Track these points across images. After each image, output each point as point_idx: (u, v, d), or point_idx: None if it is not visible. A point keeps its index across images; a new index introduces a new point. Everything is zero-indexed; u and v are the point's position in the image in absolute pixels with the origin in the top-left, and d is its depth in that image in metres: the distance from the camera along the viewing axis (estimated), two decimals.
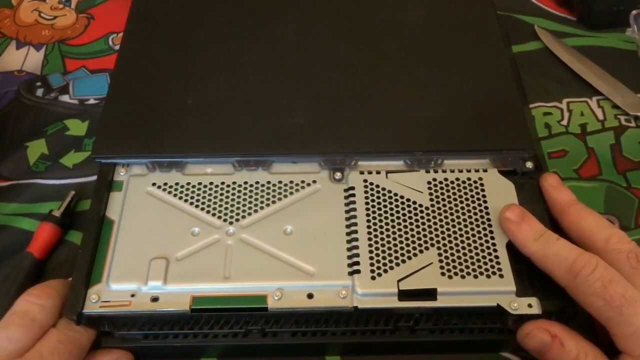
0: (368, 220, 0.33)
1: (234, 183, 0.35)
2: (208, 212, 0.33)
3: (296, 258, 0.32)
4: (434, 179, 0.35)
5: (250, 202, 0.34)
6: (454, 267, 0.31)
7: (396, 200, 0.34)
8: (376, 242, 0.32)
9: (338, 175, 0.35)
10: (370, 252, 0.32)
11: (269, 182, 0.35)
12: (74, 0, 0.53)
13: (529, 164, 0.35)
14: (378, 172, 0.35)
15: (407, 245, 0.32)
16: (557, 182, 0.34)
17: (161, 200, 0.34)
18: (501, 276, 0.31)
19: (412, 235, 0.32)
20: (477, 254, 0.32)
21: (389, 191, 0.34)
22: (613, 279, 0.28)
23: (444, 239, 0.32)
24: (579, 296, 0.28)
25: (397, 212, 0.33)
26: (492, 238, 0.32)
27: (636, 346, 0.27)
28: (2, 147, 0.43)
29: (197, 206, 0.34)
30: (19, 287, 0.34)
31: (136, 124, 0.36)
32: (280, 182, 0.35)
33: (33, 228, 0.38)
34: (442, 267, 0.31)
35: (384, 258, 0.31)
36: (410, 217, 0.33)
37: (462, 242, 0.32)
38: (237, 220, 0.33)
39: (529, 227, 0.31)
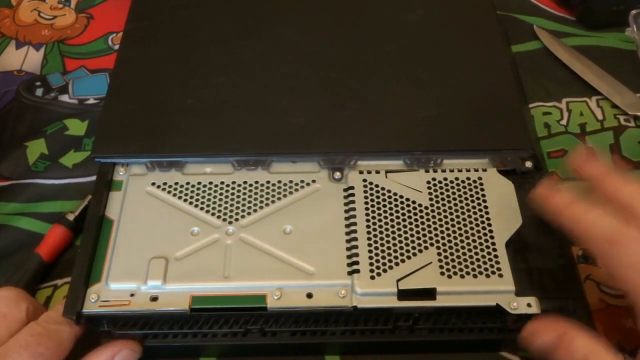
0: (367, 220, 0.33)
1: (233, 183, 0.35)
2: (207, 211, 0.33)
3: (295, 257, 0.32)
4: (434, 179, 0.35)
5: (249, 202, 0.34)
6: (453, 267, 0.31)
7: (395, 199, 0.34)
8: (375, 242, 0.32)
9: (337, 174, 0.35)
10: (370, 251, 0.32)
11: (268, 182, 0.35)
12: (74, 0, 0.53)
13: (529, 164, 0.35)
14: (377, 172, 0.35)
15: (407, 244, 0.32)
16: (546, 190, 0.31)
17: (160, 200, 0.34)
18: (500, 275, 0.31)
19: (412, 235, 0.32)
20: (476, 254, 0.32)
21: (389, 191, 0.34)
22: None
23: (443, 238, 0.32)
24: (613, 267, 0.27)
25: (397, 211, 0.33)
26: (492, 237, 0.32)
27: None
28: (1, 146, 0.43)
29: (196, 206, 0.34)
30: (24, 287, 0.34)
31: (135, 123, 0.36)
32: (279, 181, 0.35)
33: (32, 227, 0.38)
34: (441, 267, 0.31)
35: (383, 257, 0.31)
36: (409, 217, 0.33)
37: (462, 241, 0.32)
38: (237, 219, 0.33)
39: (561, 195, 0.30)
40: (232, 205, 0.34)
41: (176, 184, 0.35)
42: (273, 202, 0.34)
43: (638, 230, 0.27)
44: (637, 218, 0.27)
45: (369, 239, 0.32)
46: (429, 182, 0.34)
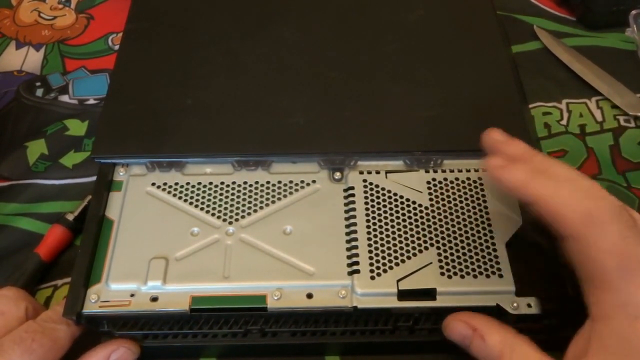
0: (367, 220, 0.33)
1: (233, 183, 0.35)
2: (207, 212, 0.33)
3: (296, 258, 0.32)
4: (434, 179, 0.35)
5: (249, 202, 0.34)
6: (454, 267, 0.31)
7: (396, 200, 0.34)
8: (376, 242, 0.32)
9: (337, 175, 0.35)
10: (370, 252, 0.32)
11: (268, 182, 0.35)
12: (74, 1, 0.53)
13: None
14: (377, 172, 0.35)
15: (407, 245, 0.32)
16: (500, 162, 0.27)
17: (161, 200, 0.34)
18: (500, 276, 0.31)
19: (412, 235, 0.32)
20: (476, 254, 0.32)
21: (389, 191, 0.34)
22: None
23: (443, 238, 0.32)
24: (584, 251, 0.25)
25: (397, 212, 0.33)
26: (492, 238, 0.32)
27: (623, 319, 0.24)
28: (1, 147, 0.43)
29: (196, 206, 0.34)
30: (23, 287, 0.34)
31: (135, 124, 0.36)
32: (279, 182, 0.35)
33: (32, 228, 0.38)
34: (441, 267, 0.31)
35: (383, 258, 0.31)
36: (409, 217, 0.33)
37: (462, 242, 0.32)
38: (237, 220, 0.33)
39: (518, 168, 0.27)
40: (232, 205, 0.34)
41: (176, 184, 0.35)
42: (273, 202, 0.34)
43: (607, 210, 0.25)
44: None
45: (369, 239, 0.32)
46: (429, 183, 0.34)
